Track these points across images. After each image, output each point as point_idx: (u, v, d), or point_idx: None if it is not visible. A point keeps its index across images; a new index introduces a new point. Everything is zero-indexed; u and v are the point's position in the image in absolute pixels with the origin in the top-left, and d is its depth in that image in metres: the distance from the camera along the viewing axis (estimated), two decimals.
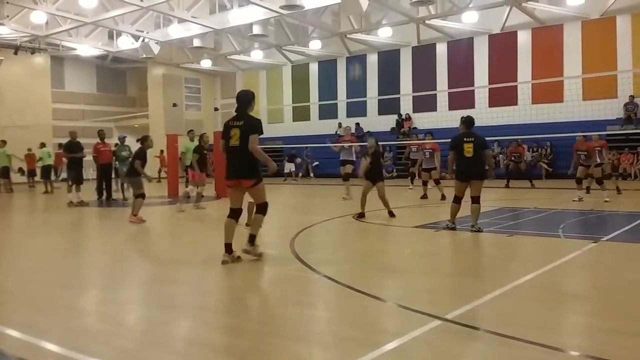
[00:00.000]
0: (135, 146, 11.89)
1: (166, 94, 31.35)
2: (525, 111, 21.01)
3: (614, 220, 10.13)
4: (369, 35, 25.72)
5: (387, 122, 25.95)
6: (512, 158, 18.46)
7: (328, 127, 26.85)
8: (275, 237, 6.80)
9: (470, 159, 8.27)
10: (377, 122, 25.84)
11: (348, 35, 25.52)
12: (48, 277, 6.08)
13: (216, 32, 25.20)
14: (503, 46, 23.67)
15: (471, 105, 23.14)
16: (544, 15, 22.20)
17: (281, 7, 20.31)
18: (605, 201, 11.94)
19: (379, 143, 10.99)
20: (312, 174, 26.19)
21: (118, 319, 4.51)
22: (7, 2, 21.65)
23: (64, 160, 16.15)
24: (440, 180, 14.11)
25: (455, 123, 9.01)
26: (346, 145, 14.70)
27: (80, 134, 15.33)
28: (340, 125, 26.03)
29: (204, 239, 8.87)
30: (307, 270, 5.95)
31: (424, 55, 25.83)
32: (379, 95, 26.55)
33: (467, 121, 8.55)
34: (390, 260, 6.84)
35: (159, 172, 26.56)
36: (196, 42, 25.42)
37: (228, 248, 6.33)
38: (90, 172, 20.16)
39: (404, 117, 25.97)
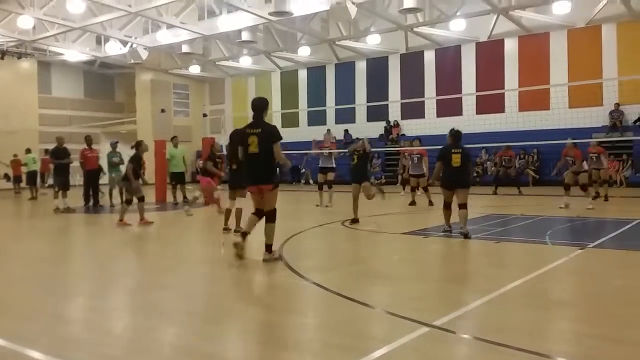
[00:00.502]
0: (125, 152, 11.95)
1: (154, 99, 31.20)
2: (512, 118, 21.15)
3: (600, 227, 10.21)
4: (357, 42, 25.81)
5: (376, 129, 26.02)
6: (503, 163, 18.56)
7: (317, 133, 26.79)
8: (263, 244, 6.78)
9: (457, 169, 8.69)
10: (365, 128, 25.81)
11: (337, 42, 25.60)
12: (33, 284, 6.00)
13: (205, 38, 25.15)
14: (490, 54, 23.87)
15: (459, 112, 23.28)
16: (530, 24, 22.43)
17: (270, 14, 20.32)
18: (588, 209, 12.07)
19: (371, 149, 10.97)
20: (311, 181, 26.14)
21: (104, 327, 4.47)
22: None
23: (51, 166, 16.01)
24: (428, 187, 14.15)
25: (443, 130, 9.21)
26: (325, 152, 14.37)
27: (67, 140, 15.22)
28: (329, 131, 26.02)
29: (191, 246, 8.83)
30: (295, 277, 5.93)
31: (412, 62, 25.96)
32: (367, 102, 26.63)
33: (456, 135, 8.94)
34: (379, 267, 6.84)
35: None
36: (185, 48, 25.32)
37: (244, 236, 6.66)
38: (77, 178, 20.01)
39: (392, 123, 26.07)
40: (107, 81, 33.01)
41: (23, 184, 21.42)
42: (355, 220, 10.31)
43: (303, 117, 28.73)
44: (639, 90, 19.16)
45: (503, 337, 3.84)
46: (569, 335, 4.16)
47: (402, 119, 25.96)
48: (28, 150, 20.78)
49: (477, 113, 23.15)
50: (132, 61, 26.40)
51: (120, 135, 28.41)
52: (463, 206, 8.62)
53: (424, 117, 24.30)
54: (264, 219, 6.74)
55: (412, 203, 13.92)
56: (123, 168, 16.55)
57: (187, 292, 5.55)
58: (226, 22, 23.05)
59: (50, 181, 18.24)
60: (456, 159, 8.66)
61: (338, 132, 26.92)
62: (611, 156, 19.68)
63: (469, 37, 23.83)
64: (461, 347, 3.87)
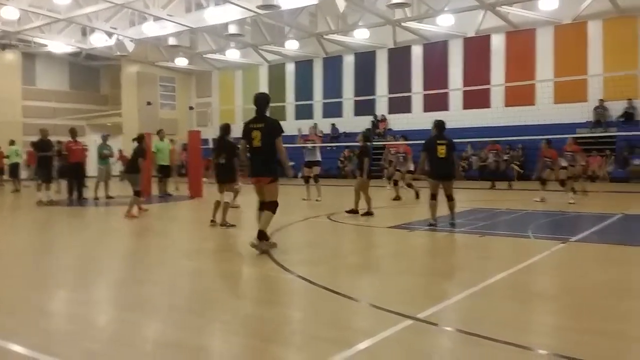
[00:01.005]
0: (114, 145, 11.97)
1: (140, 92, 30.98)
2: (498, 114, 21.31)
3: (582, 221, 10.33)
4: (345, 36, 25.80)
5: (363, 123, 26.04)
6: (492, 156, 18.72)
7: (304, 127, 26.81)
8: (249, 238, 6.79)
9: (443, 160, 8.82)
10: (353, 122, 25.91)
11: (325, 36, 25.56)
12: (16, 278, 5.95)
13: (192, 30, 24.99)
14: (477, 49, 23.98)
15: (445, 107, 23.39)
16: (517, 20, 22.56)
17: (258, 7, 20.25)
18: (570, 203, 12.25)
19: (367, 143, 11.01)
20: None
21: (88, 320, 4.44)
22: None
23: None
24: (412, 183, 14.20)
25: (430, 125, 9.28)
26: (309, 145, 14.27)
27: (52, 132, 15.05)
28: (316, 125, 26.07)
29: (176, 239, 8.79)
30: (281, 270, 5.94)
31: (399, 57, 26.01)
32: (355, 96, 26.65)
33: (439, 125, 9.09)
34: (364, 260, 6.88)
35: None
36: (171, 41, 25.16)
37: (260, 234, 6.68)
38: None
39: (379, 118, 26.11)
40: (92, 73, 32.70)
41: (6, 177, 21.17)
42: (353, 211, 10.49)
43: (290, 111, 28.67)
44: (623, 87, 19.36)
45: (486, 329, 3.87)
46: (551, 328, 4.21)
47: (389, 113, 26.03)
48: (12, 142, 20.52)
49: (464, 108, 23.29)
50: (118, 53, 26.17)
51: (106, 127, 28.19)
52: (450, 197, 8.84)
53: (411, 112, 24.41)
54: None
55: (397, 198, 13.92)
56: (112, 160, 16.55)
57: (172, 286, 5.53)
58: (213, 15, 22.92)
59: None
60: (441, 150, 8.78)
61: (325, 126, 26.96)
62: (594, 151, 19.90)
63: (457, 32, 23.93)
64: (443, 339, 3.90)
